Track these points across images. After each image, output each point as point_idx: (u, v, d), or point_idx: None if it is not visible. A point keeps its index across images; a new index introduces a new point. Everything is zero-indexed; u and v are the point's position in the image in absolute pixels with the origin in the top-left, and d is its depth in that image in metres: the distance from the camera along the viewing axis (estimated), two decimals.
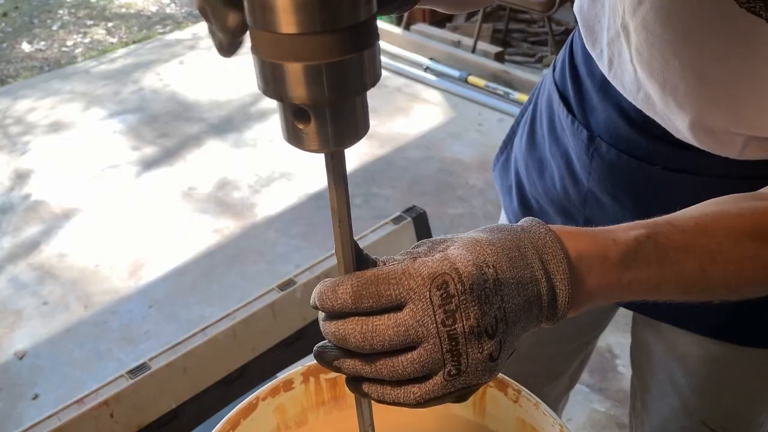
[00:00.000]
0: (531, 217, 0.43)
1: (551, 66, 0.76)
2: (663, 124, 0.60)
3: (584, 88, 0.69)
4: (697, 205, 0.48)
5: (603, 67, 0.64)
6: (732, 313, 0.67)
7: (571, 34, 0.72)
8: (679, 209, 0.48)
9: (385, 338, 0.37)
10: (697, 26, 0.51)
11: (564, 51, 0.73)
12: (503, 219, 0.87)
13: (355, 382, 0.41)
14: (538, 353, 0.90)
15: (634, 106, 0.62)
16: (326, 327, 0.39)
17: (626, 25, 0.56)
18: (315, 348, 0.41)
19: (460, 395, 0.40)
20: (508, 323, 0.39)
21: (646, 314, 0.74)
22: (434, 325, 0.37)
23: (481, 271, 0.38)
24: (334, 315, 0.39)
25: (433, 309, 0.37)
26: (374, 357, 0.39)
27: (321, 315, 0.40)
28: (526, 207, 0.79)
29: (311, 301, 0.41)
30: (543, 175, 0.76)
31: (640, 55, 0.56)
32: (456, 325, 0.37)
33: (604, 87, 0.65)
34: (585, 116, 0.68)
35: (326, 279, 0.40)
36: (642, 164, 0.63)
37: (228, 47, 0.35)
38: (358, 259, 0.40)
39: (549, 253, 0.41)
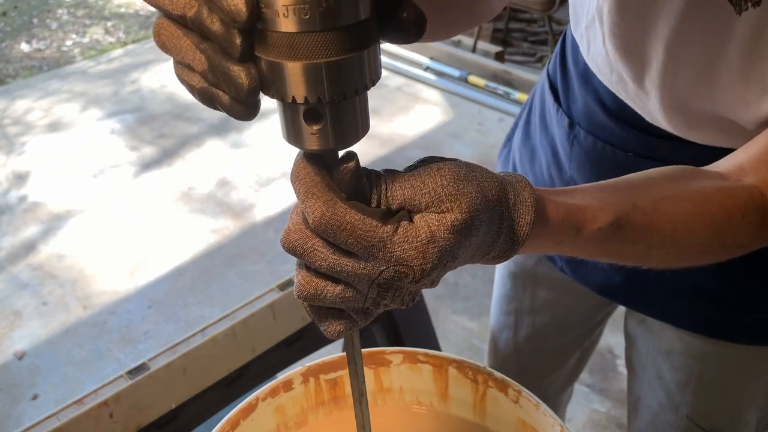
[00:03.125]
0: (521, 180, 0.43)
1: (548, 60, 0.78)
2: (635, 107, 0.62)
3: (569, 78, 0.72)
4: (653, 176, 0.49)
5: (583, 50, 0.66)
6: (714, 309, 0.68)
7: (566, 26, 0.73)
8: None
9: (321, 263, 0.37)
10: (672, 9, 0.51)
11: (559, 43, 0.75)
12: None
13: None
14: (535, 348, 0.91)
15: (610, 93, 0.64)
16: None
17: (600, 8, 0.58)
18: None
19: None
20: (440, 278, 0.40)
21: (633, 308, 0.76)
22: (367, 289, 0.37)
23: (445, 260, 0.37)
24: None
25: (378, 281, 0.37)
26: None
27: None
28: None
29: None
30: (533, 164, 0.79)
31: (614, 34, 0.57)
32: (387, 294, 0.37)
33: (586, 76, 0.68)
34: (568, 104, 0.71)
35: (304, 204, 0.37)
36: (616, 151, 0.66)
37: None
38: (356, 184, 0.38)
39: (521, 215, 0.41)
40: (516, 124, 0.86)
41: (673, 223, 0.46)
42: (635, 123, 0.63)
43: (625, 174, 0.64)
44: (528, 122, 0.82)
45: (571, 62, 0.71)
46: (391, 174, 0.38)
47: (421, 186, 0.37)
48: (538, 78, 0.84)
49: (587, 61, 0.66)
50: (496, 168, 0.90)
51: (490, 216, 0.39)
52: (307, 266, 0.39)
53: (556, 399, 0.99)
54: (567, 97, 0.72)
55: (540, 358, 0.93)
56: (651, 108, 0.60)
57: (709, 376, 0.73)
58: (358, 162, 0.37)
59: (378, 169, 0.39)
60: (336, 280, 0.38)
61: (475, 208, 0.37)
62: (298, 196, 0.37)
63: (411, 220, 0.37)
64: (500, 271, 0.91)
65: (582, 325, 0.90)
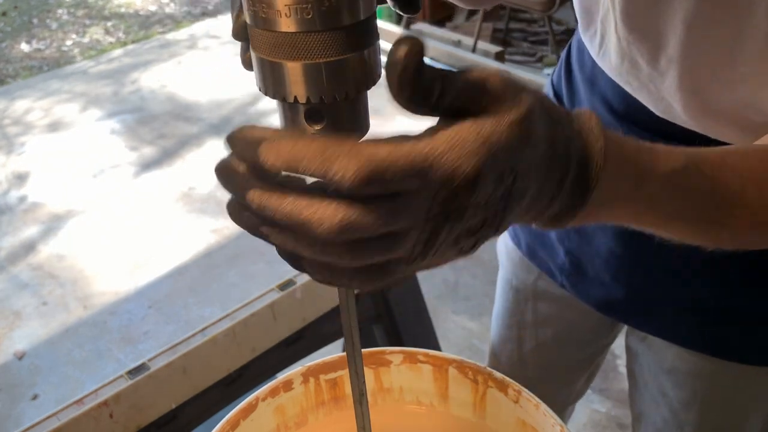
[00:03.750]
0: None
1: (552, 71, 0.77)
2: (647, 97, 0.60)
3: (574, 83, 0.70)
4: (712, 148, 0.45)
5: (594, 48, 0.65)
6: (722, 327, 0.67)
7: (573, 36, 0.73)
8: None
9: (375, 230, 0.30)
10: None
11: (564, 53, 0.74)
12: (504, 234, 0.88)
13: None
14: (541, 362, 0.89)
15: (617, 94, 0.63)
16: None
17: None
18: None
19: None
20: (505, 218, 0.34)
21: (634, 326, 0.74)
22: (421, 228, 0.31)
23: (503, 162, 0.32)
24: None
25: (432, 213, 0.31)
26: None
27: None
28: None
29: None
30: None
31: (627, 14, 0.56)
32: (442, 229, 0.32)
33: (592, 79, 0.67)
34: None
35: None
36: None
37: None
38: None
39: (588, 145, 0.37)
40: None
41: (741, 178, 0.43)
42: (642, 123, 0.62)
43: None
44: None
45: (576, 68, 0.70)
46: (458, 71, 0.33)
47: (486, 83, 0.32)
48: (538, 82, 0.83)
49: (597, 58, 0.64)
50: None
51: (548, 123, 0.34)
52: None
53: (559, 414, 0.97)
54: (571, 103, 0.71)
55: (546, 373, 0.91)
56: (666, 91, 0.57)
57: (714, 396, 0.71)
58: (421, 48, 0.31)
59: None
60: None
61: (532, 120, 0.33)
62: (311, 166, 0.29)
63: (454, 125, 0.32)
64: (501, 283, 0.89)
65: (588, 344, 0.88)
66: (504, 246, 0.87)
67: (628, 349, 0.81)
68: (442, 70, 0.32)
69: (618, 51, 0.60)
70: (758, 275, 0.62)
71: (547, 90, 0.77)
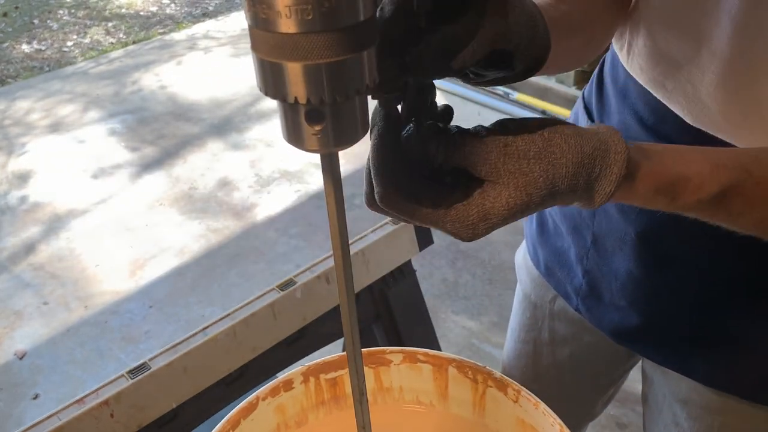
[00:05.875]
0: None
1: (584, 87, 0.76)
2: (681, 101, 0.58)
3: (606, 96, 0.69)
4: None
5: (623, 55, 0.63)
6: (728, 363, 0.65)
7: (606, 52, 0.71)
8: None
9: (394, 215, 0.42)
10: None
11: (596, 69, 0.73)
12: (523, 247, 0.88)
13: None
14: (557, 379, 0.88)
15: (648, 108, 0.62)
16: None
17: None
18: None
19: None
20: None
21: (647, 356, 0.73)
22: None
23: (499, 226, 0.41)
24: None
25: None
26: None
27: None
28: (542, 227, 0.80)
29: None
30: None
31: (666, 12, 0.55)
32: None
33: (624, 91, 0.65)
34: (602, 122, 0.69)
35: None
36: None
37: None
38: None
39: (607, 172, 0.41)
40: None
41: None
42: (671, 136, 0.60)
43: None
44: None
45: (609, 81, 0.68)
46: (462, 136, 0.41)
47: (486, 157, 0.40)
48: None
49: (628, 66, 0.63)
50: None
51: (554, 195, 0.41)
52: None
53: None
54: (601, 115, 0.69)
55: (561, 392, 0.89)
56: (704, 91, 0.55)
57: (729, 431, 0.69)
58: (421, 131, 0.41)
59: (455, 127, 0.42)
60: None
61: (534, 188, 0.39)
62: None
63: (468, 192, 0.40)
64: (519, 296, 0.88)
65: (606, 368, 0.86)
66: (523, 261, 0.86)
67: (644, 374, 0.79)
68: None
69: (653, 53, 0.58)
70: None
71: (578, 105, 0.76)
